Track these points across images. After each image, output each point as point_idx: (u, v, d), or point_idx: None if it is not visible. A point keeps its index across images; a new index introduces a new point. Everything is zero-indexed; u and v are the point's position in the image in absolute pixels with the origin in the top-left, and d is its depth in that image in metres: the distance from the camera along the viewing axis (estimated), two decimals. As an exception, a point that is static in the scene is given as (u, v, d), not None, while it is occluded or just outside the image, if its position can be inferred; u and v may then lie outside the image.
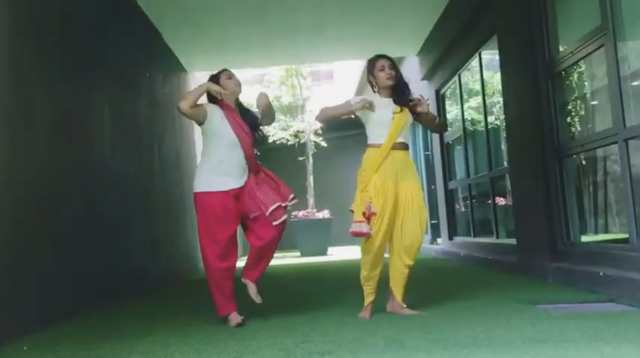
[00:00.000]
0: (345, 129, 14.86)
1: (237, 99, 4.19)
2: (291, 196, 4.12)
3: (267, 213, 3.97)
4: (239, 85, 4.17)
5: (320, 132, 15.48)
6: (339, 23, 8.74)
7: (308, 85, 15.84)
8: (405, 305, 3.97)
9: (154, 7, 7.56)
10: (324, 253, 13.00)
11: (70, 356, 3.19)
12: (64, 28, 5.05)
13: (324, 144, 15.26)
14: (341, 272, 7.84)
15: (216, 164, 3.98)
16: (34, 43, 4.45)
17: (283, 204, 4.05)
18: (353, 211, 3.88)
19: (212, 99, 4.11)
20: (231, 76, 4.15)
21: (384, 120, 3.98)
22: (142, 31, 7.76)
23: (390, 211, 3.88)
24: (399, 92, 4.13)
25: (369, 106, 3.96)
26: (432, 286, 5.49)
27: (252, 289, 4.04)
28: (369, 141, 4.04)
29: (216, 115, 4.01)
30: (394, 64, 4.23)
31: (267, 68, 15.81)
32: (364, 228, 3.80)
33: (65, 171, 4.84)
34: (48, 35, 4.72)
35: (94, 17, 5.86)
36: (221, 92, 3.98)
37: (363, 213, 3.82)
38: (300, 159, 15.00)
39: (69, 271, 4.70)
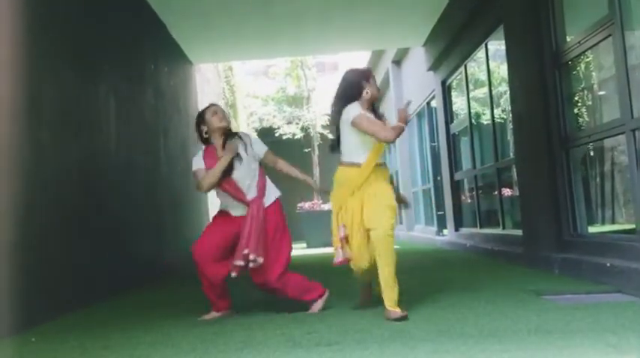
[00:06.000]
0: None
1: (225, 131, 4.05)
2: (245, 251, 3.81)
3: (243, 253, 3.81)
4: (224, 118, 4.04)
5: (327, 124, 15.45)
6: (344, 14, 8.71)
7: (313, 75, 15.82)
8: (391, 309, 3.52)
9: (159, -1, 7.56)
10: (330, 244, 13.01)
11: (78, 346, 3.21)
12: (69, 19, 5.05)
13: (330, 136, 15.24)
14: (347, 264, 7.83)
15: (221, 205, 4.12)
16: (40, 35, 4.45)
17: (250, 258, 3.79)
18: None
19: (204, 140, 4.07)
20: (216, 111, 4.05)
21: (368, 139, 3.73)
22: (147, 22, 7.76)
23: (359, 224, 3.75)
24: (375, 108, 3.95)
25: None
26: (438, 277, 5.49)
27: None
28: (350, 159, 3.76)
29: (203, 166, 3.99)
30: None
31: (273, 59, 15.80)
32: (341, 254, 3.80)
33: (71, 162, 4.85)
34: (53, 26, 4.72)
35: (100, 8, 5.85)
36: (234, 150, 3.94)
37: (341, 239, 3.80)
38: (306, 151, 15.00)
39: (75, 262, 4.73)
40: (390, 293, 3.54)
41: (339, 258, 3.80)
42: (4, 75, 3.88)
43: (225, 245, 3.93)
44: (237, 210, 3.99)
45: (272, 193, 4.06)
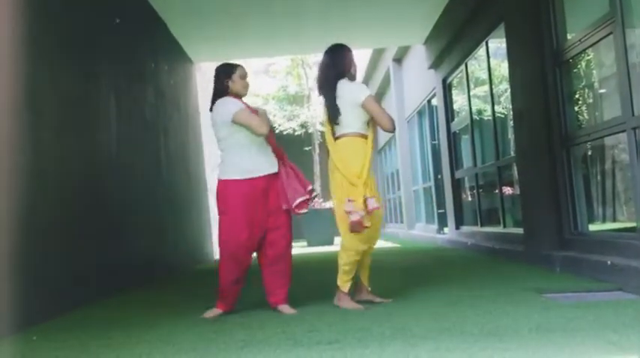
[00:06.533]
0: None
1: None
2: (310, 188, 4.09)
3: (294, 205, 3.97)
4: (247, 86, 4.10)
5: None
6: (344, 13, 8.70)
7: (314, 74, 15.82)
8: (370, 290, 4.13)
9: (160, -3, 7.56)
10: (330, 243, 13.02)
11: (79, 345, 3.21)
12: (69, 17, 5.05)
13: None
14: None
15: (255, 153, 3.97)
16: (40, 33, 4.45)
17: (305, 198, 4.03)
18: (352, 201, 3.80)
19: (221, 92, 4.05)
20: (244, 76, 4.08)
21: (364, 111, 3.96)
22: (147, 21, 7.76)
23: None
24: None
25: None
26: (439, 275, 5.49)
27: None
28: (355, 130, 3.95)
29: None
30: None
31: (273, 58, 15.79)
32: (360, 216, 3.77)
33: (71, 161, 4.85)
34: (53, 25, 4.72)
35: (99, 8, 5.85)
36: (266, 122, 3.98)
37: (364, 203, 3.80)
38: (307, 149, 15.00)
39: (76, 261, 4.73)
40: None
41: (357, 217, 3.77)
42: (4, 75, 3.88)
43: (258, 240, 3.98)
44: (264, 166, 3.97)
45: None
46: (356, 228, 3.77)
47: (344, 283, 3.95)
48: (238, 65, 4.12)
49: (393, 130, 3.96)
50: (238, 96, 4.06)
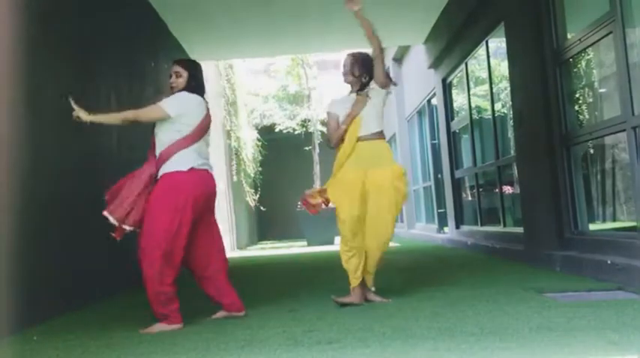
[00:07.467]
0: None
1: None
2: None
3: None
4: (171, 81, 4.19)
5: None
6: (345, 12, 8.64)
7: (314, 74, 15.82)
8: (373, 290, 4.13)
9: (159, -3, 7.55)
10: (330, 242, 13.02)
11: (80, 345, 3.21)
12: (69, 16, 5.05)
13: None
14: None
15: None
16: (40, 32, 4.45)
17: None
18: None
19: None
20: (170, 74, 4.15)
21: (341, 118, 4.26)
22: (147, 20, 7.75)
23: (359, 200, 4.02)
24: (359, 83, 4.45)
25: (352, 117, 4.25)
26: (439, 275, 5.49)
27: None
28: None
29: None
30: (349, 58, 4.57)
31: (274, 58, 15.79)
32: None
33: (71, 162, 4.85)
34: (53, 24, 4.72)
35: (100, 7, 5.85)
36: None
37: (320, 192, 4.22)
38: (307, 148, 14.98)
39: (75, 261, 4.73)
40: None
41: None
42: (4, 75, 3.88)
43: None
44: None
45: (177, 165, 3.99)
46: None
47: (351, 280, 4.03)
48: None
49: (332, 147, 4.27)
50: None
